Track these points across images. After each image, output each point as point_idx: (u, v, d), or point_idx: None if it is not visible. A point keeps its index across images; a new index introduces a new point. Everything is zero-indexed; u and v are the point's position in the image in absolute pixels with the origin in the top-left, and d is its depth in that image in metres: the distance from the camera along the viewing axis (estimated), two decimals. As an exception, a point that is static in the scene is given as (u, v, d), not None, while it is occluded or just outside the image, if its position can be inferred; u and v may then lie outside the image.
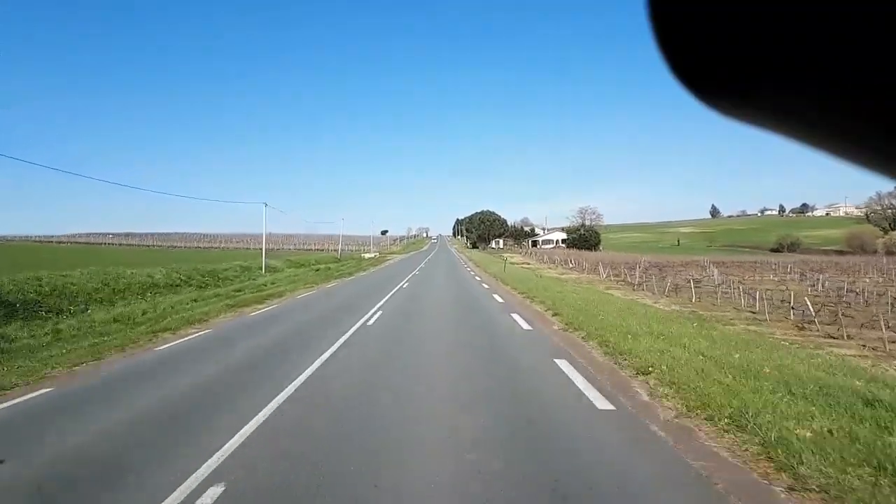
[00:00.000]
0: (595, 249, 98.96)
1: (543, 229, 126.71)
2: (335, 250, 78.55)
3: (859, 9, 0.36)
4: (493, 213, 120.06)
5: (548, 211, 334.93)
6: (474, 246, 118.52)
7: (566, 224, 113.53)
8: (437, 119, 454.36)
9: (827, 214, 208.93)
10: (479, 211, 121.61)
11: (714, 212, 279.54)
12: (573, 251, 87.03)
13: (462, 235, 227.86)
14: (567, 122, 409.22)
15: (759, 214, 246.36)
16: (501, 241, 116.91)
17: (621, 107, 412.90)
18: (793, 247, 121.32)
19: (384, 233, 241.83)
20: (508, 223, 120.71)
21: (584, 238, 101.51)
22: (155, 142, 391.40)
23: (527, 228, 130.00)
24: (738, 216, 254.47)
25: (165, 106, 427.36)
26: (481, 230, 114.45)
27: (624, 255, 67.90)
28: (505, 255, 77.47)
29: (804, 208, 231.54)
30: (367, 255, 60.68)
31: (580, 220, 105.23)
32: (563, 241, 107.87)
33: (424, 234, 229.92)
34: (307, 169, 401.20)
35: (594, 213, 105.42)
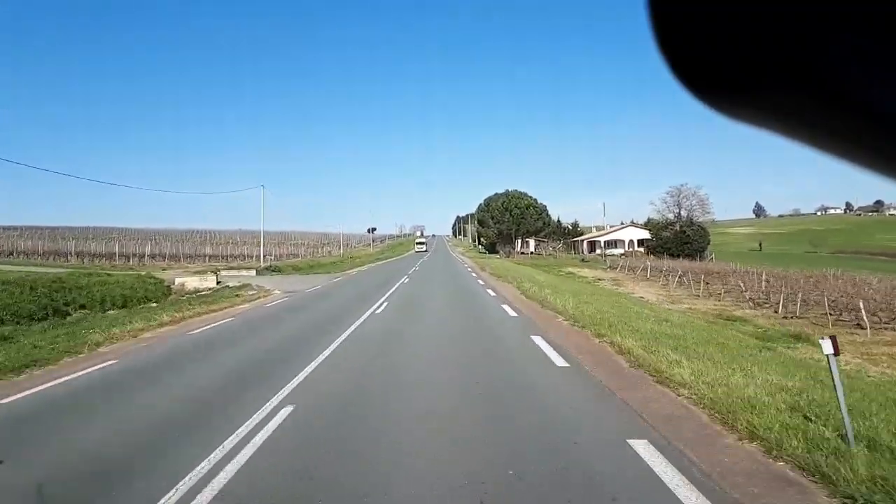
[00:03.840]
0: (699, 258, 58.08)
1: (595, 227, 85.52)
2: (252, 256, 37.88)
3: (859, 9, 0.36)
4: (526, 196, 73.22)
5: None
6: (491, 249, 76.68)
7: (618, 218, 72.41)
8: (436, 115, 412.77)
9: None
10: (499, 192, 75.74)
11: (758, 211, 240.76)
12: (673, 262, 46.48)
13: (465, 235, 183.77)
14: (566, 122, 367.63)
15: (820, 213, 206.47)
16: (532, 243, 74.95)
17: (626, 107, 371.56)
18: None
19: (372, 231, 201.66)
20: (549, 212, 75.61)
21: (683, 238, 60.42)
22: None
23: (566, 224, 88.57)
24: (791, 215, 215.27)
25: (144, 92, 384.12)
26: (506, 223, 71.15)
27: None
28: (583, 272, 36.17)
29: (878, 206, 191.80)
30: (198, 286, 20.35)
31: (675, 209, 63.54)
32: (640, 242, 66.75)
33: (419, 233, 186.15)
34: (300, 162, 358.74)
35: (694, 195, 62.98)
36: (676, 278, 26.15)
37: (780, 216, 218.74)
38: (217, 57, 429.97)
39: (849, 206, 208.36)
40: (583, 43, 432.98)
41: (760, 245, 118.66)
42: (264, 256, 40.71)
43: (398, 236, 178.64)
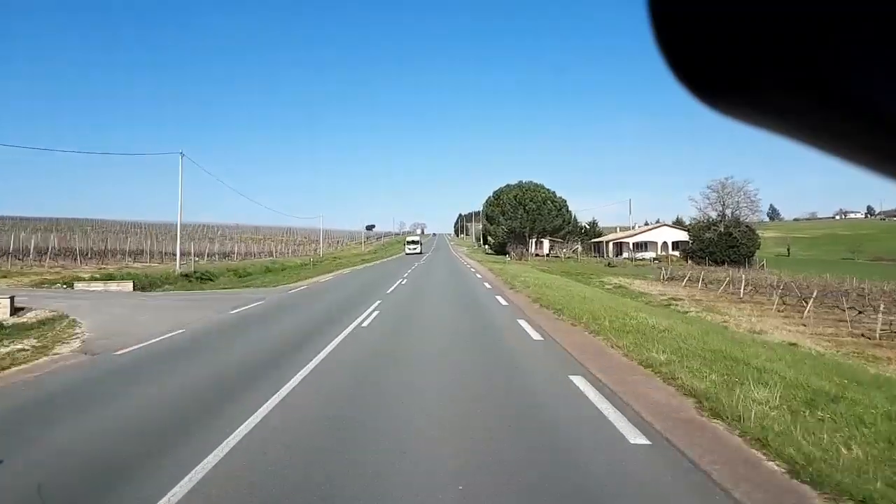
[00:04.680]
0: (746, 265, 49.28)
1: (619, 227, 76.59)
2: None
3: (859, 9, 0.36)
4: (542, 189, 63.07)
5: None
6: (499, 250, 67.67)
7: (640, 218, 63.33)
8: (438, 114, 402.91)
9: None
10: (511, 184, 65.30)
11: (772, 214, 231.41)
12: (733, 269, 37.79)
13: (467, 234, 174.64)
14: (570, 120, 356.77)
15: (840, 217, 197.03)
16: (546, 244, 65.90)
17: (629, 107, 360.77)
18: None
19: (370, 228, 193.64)
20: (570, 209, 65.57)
21: (729, 241, 51.54)
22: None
23: (582, 223, 79.47)
24: (808, 219, 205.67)
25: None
26: (519, 220, 61.73)
27: None
28: (634, 284, 27.17)
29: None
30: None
31: (718, 206, 54.45)
32: (675, 244, 57.86)
33: (420, 231, 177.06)
34: (298, 158, 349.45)
35: (741, 191, 53.59)
36: (810, 303, 16.96)
37: (796, 220, 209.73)
38: (212, 51, 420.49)
39: (870, 211, 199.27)
40: (583, 42, 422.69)
41: (788, 250, 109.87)
42: (182, 256, 28.64)
43: (397, 234, 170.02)
